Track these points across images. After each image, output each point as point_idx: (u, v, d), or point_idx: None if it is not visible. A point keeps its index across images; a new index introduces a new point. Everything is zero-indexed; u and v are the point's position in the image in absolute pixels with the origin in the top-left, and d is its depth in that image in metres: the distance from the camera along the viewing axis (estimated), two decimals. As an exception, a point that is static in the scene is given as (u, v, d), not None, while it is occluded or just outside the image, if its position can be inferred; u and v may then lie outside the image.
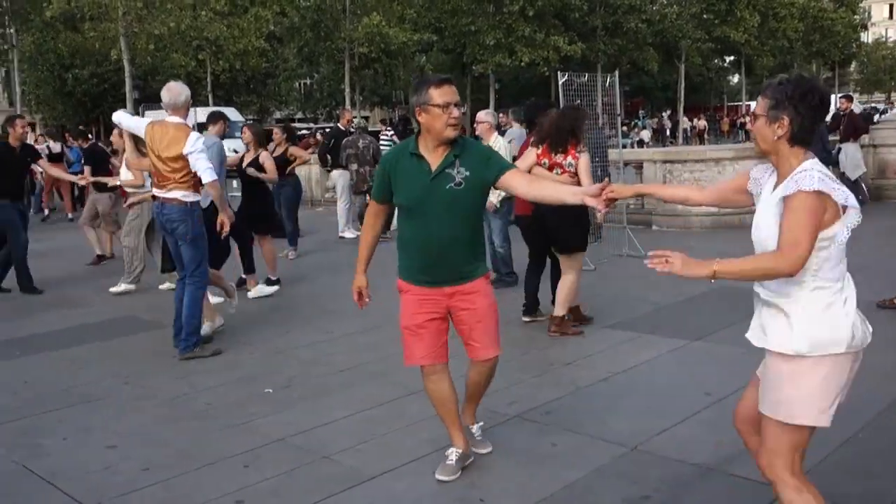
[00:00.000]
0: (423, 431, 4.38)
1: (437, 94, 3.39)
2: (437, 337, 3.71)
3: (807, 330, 2.55)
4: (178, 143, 5.78)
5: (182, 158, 5.78)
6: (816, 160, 2.62)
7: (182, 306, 5.98)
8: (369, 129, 24.06)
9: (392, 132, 22.12)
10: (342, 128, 12.31)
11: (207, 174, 5.78)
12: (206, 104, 35.09)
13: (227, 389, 5.27)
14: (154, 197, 6.09)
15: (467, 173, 3.46)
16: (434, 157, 3.49)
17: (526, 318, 6.73)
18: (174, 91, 5.93)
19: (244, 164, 8.57)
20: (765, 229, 2.63)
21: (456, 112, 3.39)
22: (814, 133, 2.66)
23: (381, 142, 19.60)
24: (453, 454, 3.84)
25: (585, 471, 3.85)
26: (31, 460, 4.20)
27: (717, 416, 4.37)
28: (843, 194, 2.51)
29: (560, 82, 9.77)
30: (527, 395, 4.93)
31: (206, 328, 6.39)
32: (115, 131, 8.72)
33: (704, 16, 42.11)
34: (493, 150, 3.79)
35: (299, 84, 51.83)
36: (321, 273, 9.47)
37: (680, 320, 6.60)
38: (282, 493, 3.75)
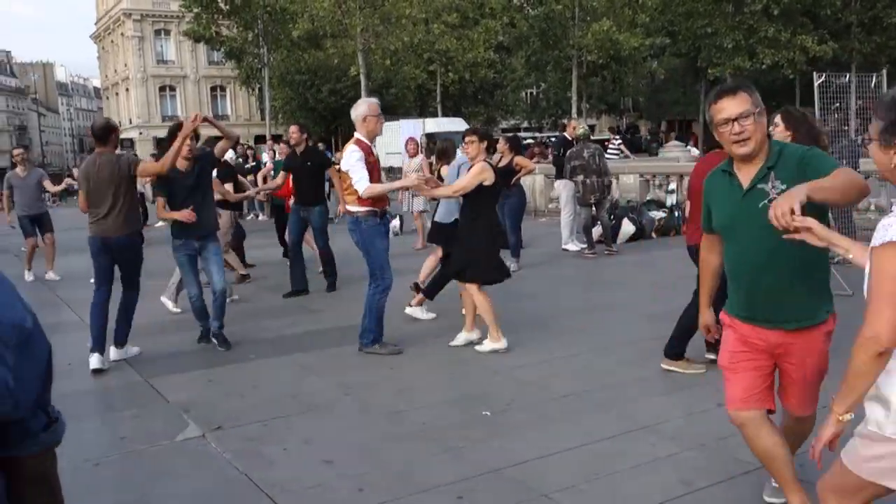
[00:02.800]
0: (651, 474, 3.92)
1: (715, 111, 3.00)
2: (757, 377, 3.12)
3: None
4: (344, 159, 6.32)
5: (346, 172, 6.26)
6: None
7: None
8: (594, 138, 23.52)
9: (619, 140, 21.47)
10: (568, 137, 11.95)
11: (359, 185, 6.12)
12: (435, 115, 36.28)
13: (444, 409, 5.09)
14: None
15: (783, 187, 2.87)
16: (746, 173, 3.02)
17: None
18: (355, 106, 6.51)
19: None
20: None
21: (738, 127, 2.92)
22: None
23: (609, 150, 19.05)
24: None
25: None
26: (253, 470, 4.23)
27: None
28: None
29: (816, 84, 8.77)
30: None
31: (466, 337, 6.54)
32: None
33: None
34: (813, 152, 3.04)
35: (525, 94, 52.21)
36: (543, 287, 9.18)
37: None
38: (496, 534, 3.47)
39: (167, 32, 58.41)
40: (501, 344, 6.27)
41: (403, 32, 27.79)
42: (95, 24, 65.92)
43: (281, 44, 32.95)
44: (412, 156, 13.21)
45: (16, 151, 11.31)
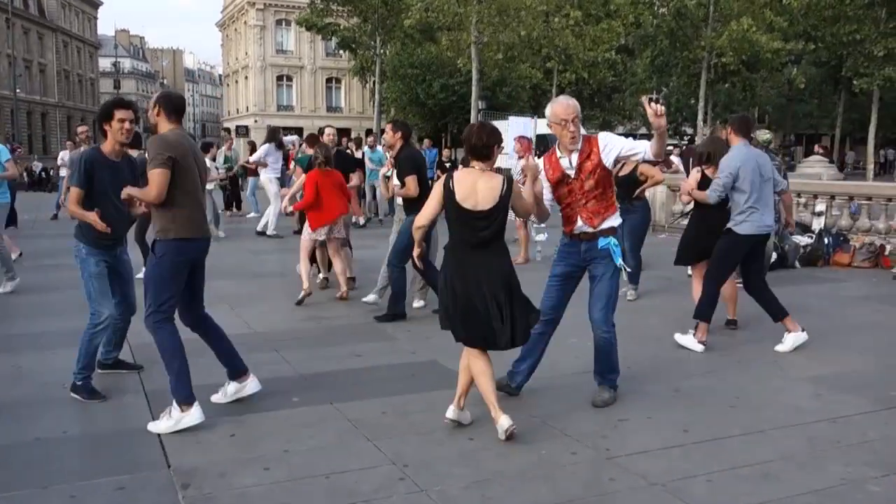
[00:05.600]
0: None
1: None
2: None
3: None
4: None
5: None
6: None
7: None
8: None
9: (755, 152, 19.21)
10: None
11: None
12: (549, 116, 34.59)
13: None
14: None
15: None
16: None
17: None
18: None
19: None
20: None
21: None
22: None
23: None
24: None
25: None
26: None
27: None
28: None
29: None
30: None
31: None
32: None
33: None
34: None
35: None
36: (670, 327, 7.33)
37: None
38: None
39: (287, 23, 58.70)
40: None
41: (521, 25, 26.18)
42: (222, 12, 67.20)
43: (395, 35, 31.97)
44: (521, 156, 11.60)
45: (81, 129, 10.45)
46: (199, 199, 4.77)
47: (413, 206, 7.36)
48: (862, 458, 4.17)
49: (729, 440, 4.44)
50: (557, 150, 4.94)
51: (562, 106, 4.80)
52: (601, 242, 4.86)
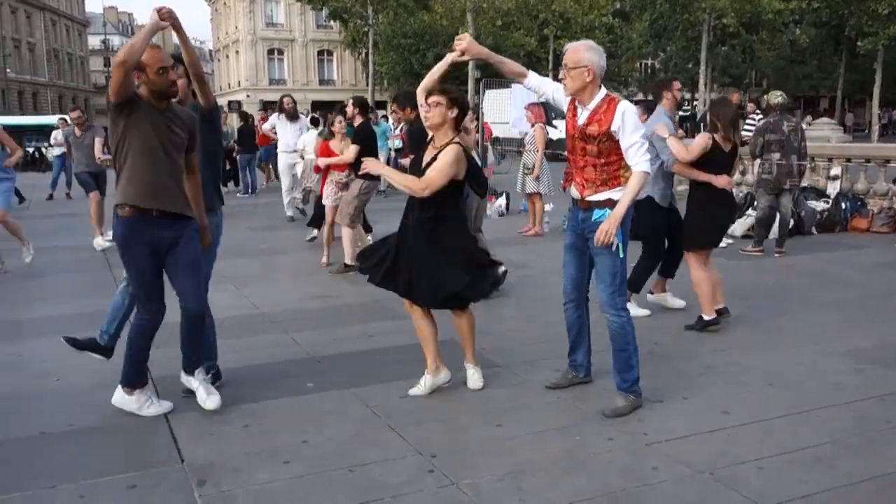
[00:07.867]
0: None
1: None
2: None
3: None
4: None
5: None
6: None
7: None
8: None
9: (761, 116, 18.94)
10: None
11: None
12: (547, 84, 34.17)
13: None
14: None
15: None
16: None
17: None
18: None
19: None
20: None
21: None
22: None
23: (746, 126, 16.65)
24: None
25: None
26: None
27: None
28: None
29: None
30: None
31: None
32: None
33: None
34: None
35: (640, 64, 49.60)
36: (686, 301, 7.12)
37: None
38: None
39: (278, -6, 57.89)
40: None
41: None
42: (209, -15, 66.21)
43: (387, 4, 31.37)
44: (534, 123, 11.37)
45: (74, 115, 11.15)
46: None
47: None
48: (916, 439, 3.94)
49: (774, 422, 4.20)
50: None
51: (566, 50, 4.38)
52: (595, 214, 4.30)
